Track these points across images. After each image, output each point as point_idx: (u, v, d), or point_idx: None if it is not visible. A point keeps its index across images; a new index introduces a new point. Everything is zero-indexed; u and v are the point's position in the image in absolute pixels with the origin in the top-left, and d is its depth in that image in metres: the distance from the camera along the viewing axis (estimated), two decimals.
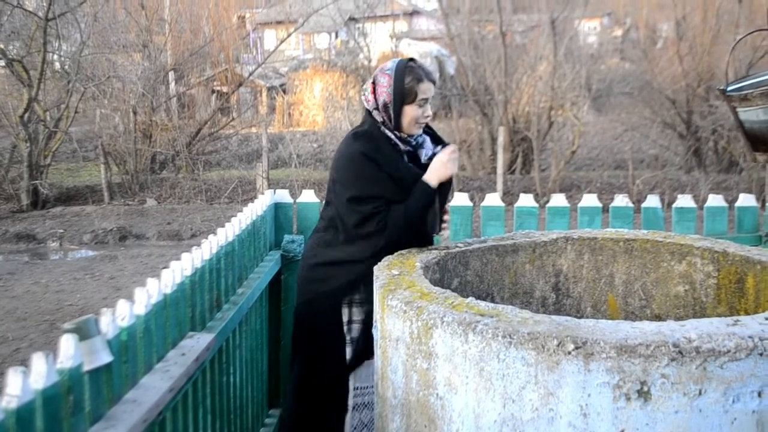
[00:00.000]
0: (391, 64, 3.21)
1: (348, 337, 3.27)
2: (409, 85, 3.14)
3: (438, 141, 3.37)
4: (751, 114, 3.45)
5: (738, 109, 3.53)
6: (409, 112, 3.16)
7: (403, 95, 3.14)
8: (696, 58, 15.76)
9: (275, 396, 4.34)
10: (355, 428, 3.30)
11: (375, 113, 3.21)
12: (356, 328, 3.26)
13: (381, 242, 3.11)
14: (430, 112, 3.22)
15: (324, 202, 3.41)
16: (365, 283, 3.09)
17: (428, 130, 3.37)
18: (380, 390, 2.68)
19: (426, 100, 3.19)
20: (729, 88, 3.54)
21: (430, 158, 3.25)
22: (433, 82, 3.21)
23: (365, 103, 3.24)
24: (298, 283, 3.45)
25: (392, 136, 3.20)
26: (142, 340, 2.21)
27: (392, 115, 3.17)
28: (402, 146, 3.22)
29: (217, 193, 14.42)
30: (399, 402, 2.49)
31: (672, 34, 18.58)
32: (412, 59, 3.23)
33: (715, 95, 14.42)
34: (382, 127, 3.21)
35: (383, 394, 2.63)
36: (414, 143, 3.27)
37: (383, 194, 3.09)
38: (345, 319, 3.26)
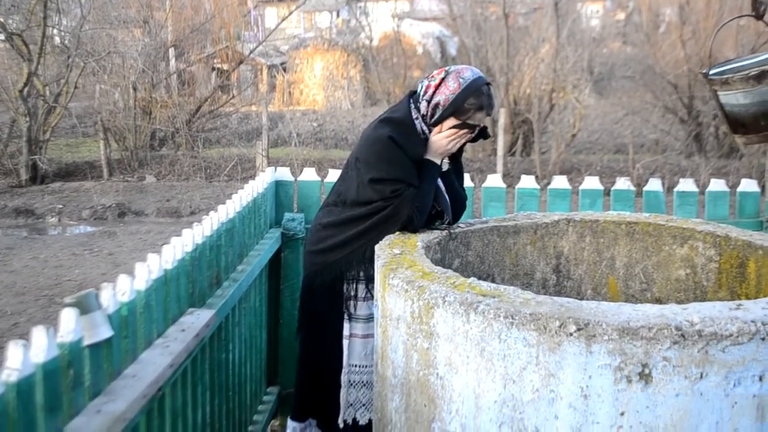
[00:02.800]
0: (469, 74, 3.14)
1: (347, 313, 3.27)
2: (468, 105, 3.10)
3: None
4: (731, 98, 3.46)
5: (719, 93, 3.55)
6: (450, 123, 3.13)
7: (457, 108, 3.11)
8: (699, 43, 15.70)
9: (273, 374, 4.34)
10: (351, 405, 3.31)
11: (423, 103, 3.17)
12: (358, 305, 3.26)
13: (395, 226, 3.09)
14: (469, 136, 3.20)
15: (339, 177, 3.39)
16: (370, 260, 3.09)
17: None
18: (380, 369, 2.67)
19: (470, 124, 3.17)
20: (711, 72, 3.55)
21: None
22: (488, 115, 3.19)
23: (421, 89, 3.20)
24: (305, 254, 3.45)
25: (425, 130, 3.18)
26: (142, 316, 2.21)
27: (436, 116, 3.14)
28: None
29: (216, 170, 14.39)
30: (399, 381, 2.49)
31: (675, 18, 18.47)
32: (489, 83, 3.19)
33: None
34: (418, 119, 3.18)
35: (383, 373, 2.62)
36: None
37: (405, 178, 3.07)
38: (347, 294, 3.26)
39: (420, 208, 3.07)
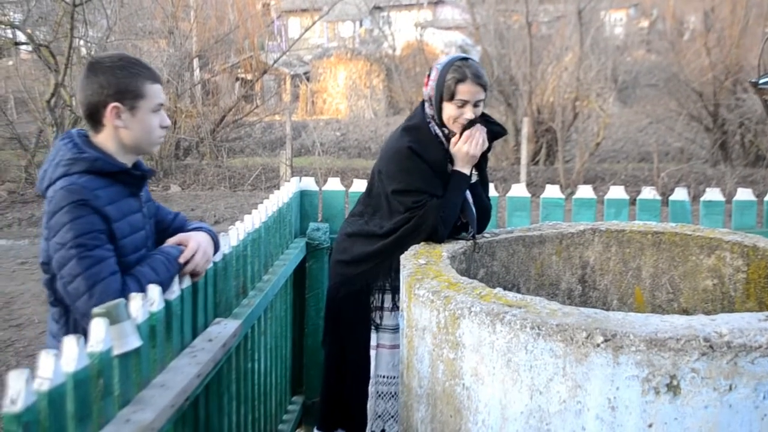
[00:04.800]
0: (445, 59, 3.17)
1: (374, 324, 3.28)
2: (448, 83, 3.08)
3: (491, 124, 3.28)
4: None
5: None
6: (447, 110, 3.12)
7: (441, 91, 3.10)
8: (724, 51, 15.61)
9: (298, 383, 4.35)
10: (380, 416, 3.31)
11: (427, 105, 3.20)
12: (384, 315, 3.26)
13: (420, 237, 3.09)
14: (470, 115, 3.11)
15: (366, 189, 3.40)
16: (396, 270, 3.10)
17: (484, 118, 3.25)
18: (405, 379, 2.67)
19: (466, 102, 3.09)
20: (761, 81, 3.51)
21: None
22: (481, 86, 3.10)
23: (424, 93, 3.25)
24: (331, 264, 3.45)
25: (439, 133, 3.18)
26: (170, 326, 2.22)
27: (434, 110, 3.15)
28: (447, 144, 3.18)
29: (240, 180, 14.47)
30: (424, 391, 2.49)
31: (700, 25, 18.40)
32: (467, 58, 3.16)
33: (742, 88, 14.28)
34: (431, 123, 3.19)
35: (408, 384, 2.62)
36: None
37: (427, 189, 3.07)
38: (374, 304, 3.26)
39: (445, 219, 3.06)
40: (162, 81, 2.51)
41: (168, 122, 2.49)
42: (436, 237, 3.06)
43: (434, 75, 3.14)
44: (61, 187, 2.22)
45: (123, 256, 2.29)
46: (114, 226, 2.26)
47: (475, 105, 3.11)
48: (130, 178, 2.40)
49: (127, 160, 2.41)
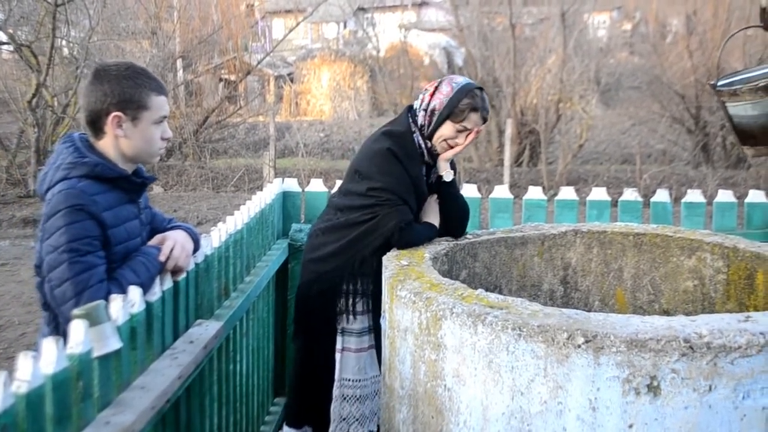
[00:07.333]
0: (462, 80, 3.20)
1: (340, 327, 3.27)
2: (463, 106, 3.12)
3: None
4: (739, 109, 3.46)
5: (727, 104, 3.55)
6: (446, 128, 3.16)
7: (452, 110, 3.13)
8: (706, 53, 15.70)
9: (280, 384, 4.34)
10: (345, 420, 3.30)
11: (420, 114, 3.20)
12: (350, 319, 3.25)
13: (378, 240, 3.10)
14: (462, 141, 3.20)
15: (337, 189, 3.40)
16: (363, 273, 3.11)
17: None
18: (387, 380, 2.67)
19: (467, 130, 3.17)
20: (719, 83, 3.54)
21: (435, 180, 3.29)
22: (484, 120, 3.20)
23: (417, 101, 3.24)
24: (302, 264, 3.44)
25: (422, 144, 3.20)
26: (151, 327, 2.21)
27: (433, 122, 3.17)
28: (426, 157, 3.23)
29: (223, 181, 14.42)
30: (406, 393, 2.49)
31: (682, 28, 18.50)
32: (482, 88, 3.23)
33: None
34: (416, 133, 3.20)
35: (390, 385, 2.62)
36: (435, 158, 3.27)
37: (401, 193, 3.09)
38: (341, 308, 3.25)
39: (404, 237, 3.06)
40: (167, 92, 2.50)
41: (170, 134, 2.48)
42: (390, 241, 3.08)
43: (447, 90, 3.16)
44: (59, 190, 2.21)
45: (117, 262, 2.28)
46: (110, 232, 2.25)
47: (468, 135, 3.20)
48: (130, 185, 2.39)
49: (128, 168, 2.40)
